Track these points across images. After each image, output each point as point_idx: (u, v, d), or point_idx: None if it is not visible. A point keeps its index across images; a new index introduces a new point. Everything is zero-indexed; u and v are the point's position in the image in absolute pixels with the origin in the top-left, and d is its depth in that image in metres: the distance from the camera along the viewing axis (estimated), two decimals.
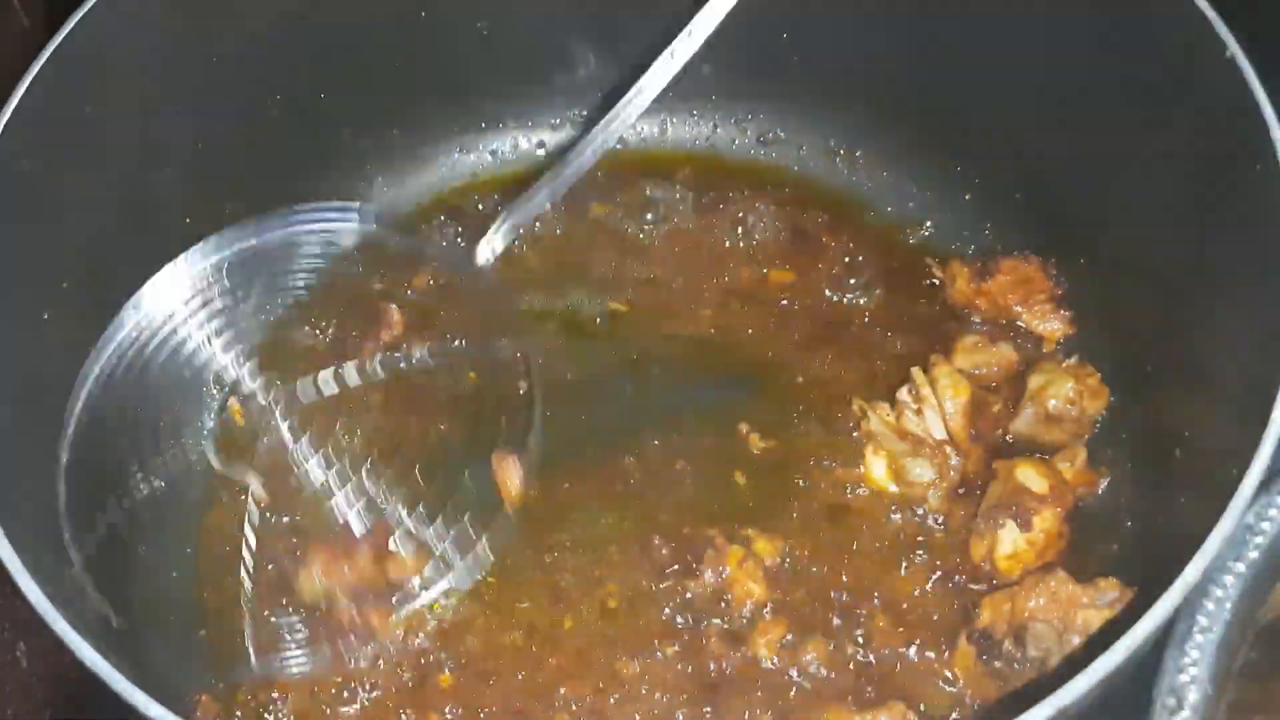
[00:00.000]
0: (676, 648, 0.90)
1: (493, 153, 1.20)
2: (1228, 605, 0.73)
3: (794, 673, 0.88)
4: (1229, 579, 0.74)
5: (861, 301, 1.07)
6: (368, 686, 0.90)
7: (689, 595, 0.92)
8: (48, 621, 0.70)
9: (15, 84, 0.86)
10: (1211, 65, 0.82)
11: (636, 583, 0.93)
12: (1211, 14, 0.83)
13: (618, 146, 1.19)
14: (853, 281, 1.08)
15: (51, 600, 0.70)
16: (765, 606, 0.91)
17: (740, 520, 0.94)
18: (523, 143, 1.20)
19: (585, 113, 1.20)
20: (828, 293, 1.08)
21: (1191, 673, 0.71)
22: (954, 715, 0.86)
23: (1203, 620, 0.72)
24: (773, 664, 0.89)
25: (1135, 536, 0.89)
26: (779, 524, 0.94)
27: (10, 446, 0.81)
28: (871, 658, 0.89)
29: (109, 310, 0.95)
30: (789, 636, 0.89)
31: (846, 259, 1.09)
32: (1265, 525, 0.76)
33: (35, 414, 0.85)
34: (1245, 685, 0.74)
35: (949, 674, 0.88)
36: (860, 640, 0.89)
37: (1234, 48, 0.81)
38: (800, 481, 0.97)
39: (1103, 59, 0.92)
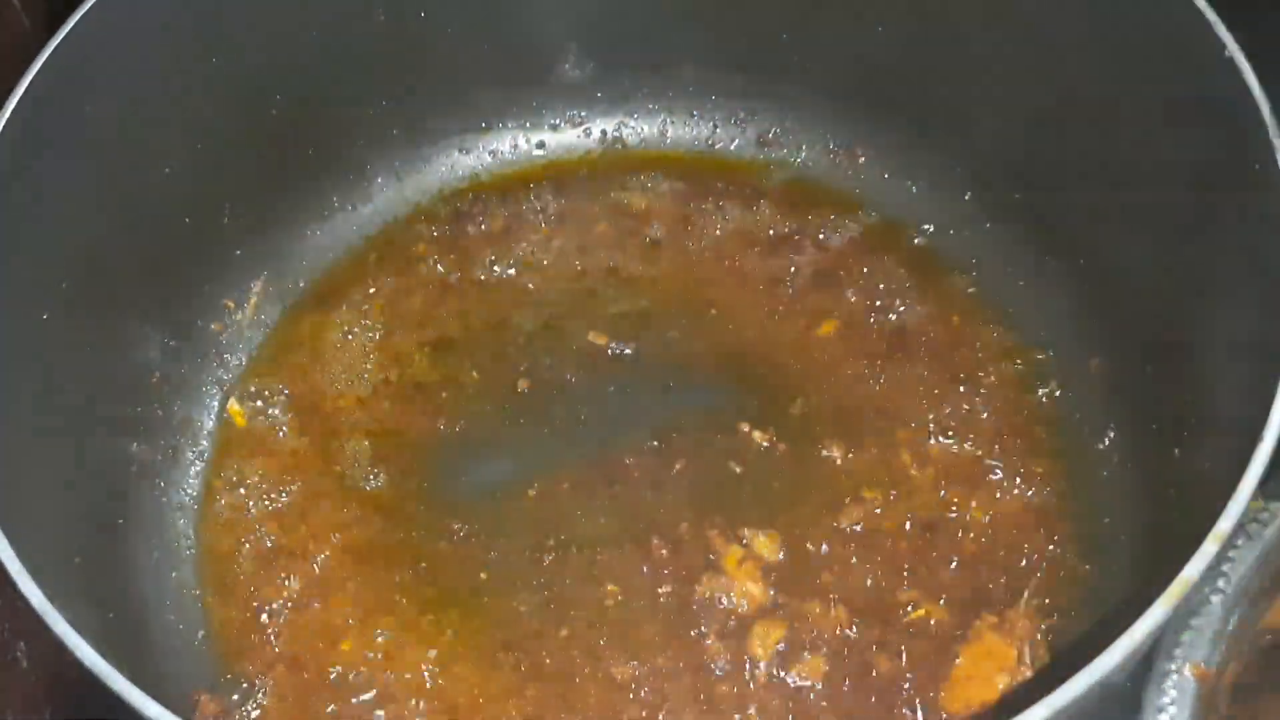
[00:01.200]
0: (675, 649, 0.90)
1: (492, 153, 1.20)
2: (1207, 633, 0.74)
3: (793, 675, 0.88)
4: (1199, 621, 0.74)
5: (864, 302, 1.07)
6: (366, 684, 0.90)
7: (687, 596, 0.92)
8: (48, 622, 0.70)
9: (15, 84, 0.86)
10: (1210, 65, 0.82)
11: (635, 584, 0.93)
12: (1210, 14, 0.83)
13: (617, 148, 1.20)
14: (851, 280, 1.08)
15: (51, 600, 0.70)
16: (764, 608, 0.91)
17: (739, 521, 0.94)
18: (522, 143, 1.20)
19: (585, 113, 1.20)
20: (827, 293, 1.08)
21: (1171, 712, 0.72)
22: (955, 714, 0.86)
23: (1179, 653, 0.73)
24: (771, 665, 0.89)
25: (1134, 538, 0.89)
26: (778, 525, 0.94)
27: (10, 448, 0.81)
28: (871, 661, 0.89)
29: (109, 310, 0.95)
30: (788, 638, 0.89)
31: (845, 259, 1.09)
32: (1225, 569, 0.77)
33: (35, 414, 0.85)
34: (1234, 705, 0.75)
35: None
36: (859, 644, 0.89)
37: (1233, 48, 0.81)
38: (800, 482, 0.97)
39: (1101, 59, 0.92)
